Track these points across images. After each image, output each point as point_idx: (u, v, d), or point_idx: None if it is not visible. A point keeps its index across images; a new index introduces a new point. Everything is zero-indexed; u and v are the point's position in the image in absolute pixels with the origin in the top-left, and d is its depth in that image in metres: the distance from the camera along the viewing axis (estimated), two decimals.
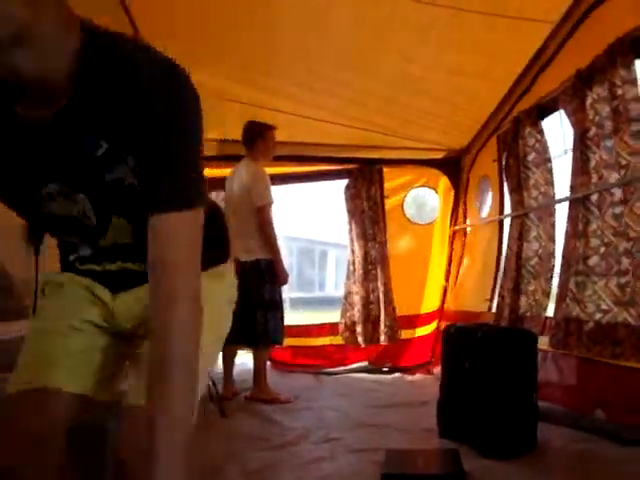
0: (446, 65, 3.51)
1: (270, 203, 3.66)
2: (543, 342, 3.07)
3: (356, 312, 4.77)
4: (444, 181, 4.93)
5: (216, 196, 4.70)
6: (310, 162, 4.83)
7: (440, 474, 2.26)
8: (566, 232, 3.05)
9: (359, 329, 4.73)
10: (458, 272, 4.77)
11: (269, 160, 3.86)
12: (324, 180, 5.30)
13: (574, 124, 3.00)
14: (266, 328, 3.64)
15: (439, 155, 4.82)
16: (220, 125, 4.27)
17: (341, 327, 4.83)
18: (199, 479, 1.25)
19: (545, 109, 3.45)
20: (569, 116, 3.06)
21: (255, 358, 3.77)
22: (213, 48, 3.54)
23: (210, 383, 3.25)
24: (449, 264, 4.90)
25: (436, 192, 5.00)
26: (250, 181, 3.64)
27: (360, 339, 4.72)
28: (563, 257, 3.07)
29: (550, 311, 3.28)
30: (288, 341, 4.08)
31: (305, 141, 4.55)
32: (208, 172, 5.22)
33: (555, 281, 3.24)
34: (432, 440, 2.70)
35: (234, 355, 3.91)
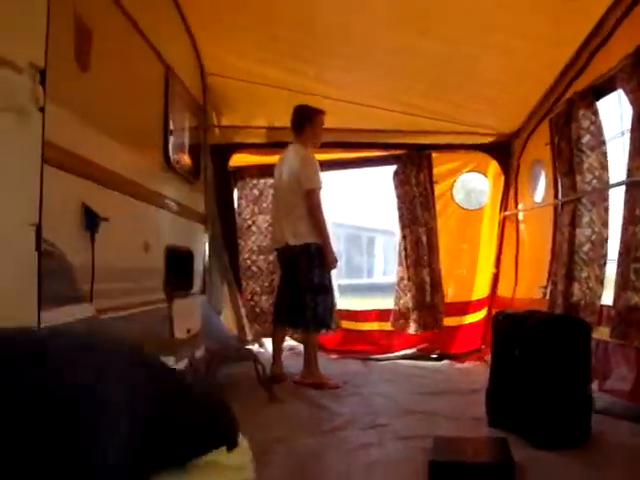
0: (497, 45, 3.41)
1: (319, 187, 3.66)
2: (602, 332, 2.98)
3: (409, 299, 4.72)
4: (494, 166, 4.82)
5: (264, 183, 4.73)
6: (357, 148, 4.81)
7: (489, 463, 2.21)
8: (623, 217, 2.93)
9: (414, 316, 4.67)
10: (514, 258, 4.66)
11: (317, 146, 3.86)
12: (371, 166, 5.27)
13: (633, 102, 2.86)
14: (316, 312, 3.65)
15: (488, 139, 4.72)
16: (268, 112, 4.25)
17: (395, 314, 4.78)
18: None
19: (601, 89, 3.31)
20: (627, 94, 2.92)
21: (305, 342, 3.81)
22: (259, 35, 3.55)
23: (259, 367, 3.30)
24: (499, 250, 4.81)
25: (485, 177, 4.90)
26: (299, 165, 3.65)
27: (414, 326, 4.67)
28: (622, 243, 2.95)
29: (605, 299, 3.17)
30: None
31: (352, 127, 4.52)
32: (257, 159, 5.23)
33: (609, 268, 3.13)
34: (481, 429, 2.66)
35: (284, 337, 3.96)
